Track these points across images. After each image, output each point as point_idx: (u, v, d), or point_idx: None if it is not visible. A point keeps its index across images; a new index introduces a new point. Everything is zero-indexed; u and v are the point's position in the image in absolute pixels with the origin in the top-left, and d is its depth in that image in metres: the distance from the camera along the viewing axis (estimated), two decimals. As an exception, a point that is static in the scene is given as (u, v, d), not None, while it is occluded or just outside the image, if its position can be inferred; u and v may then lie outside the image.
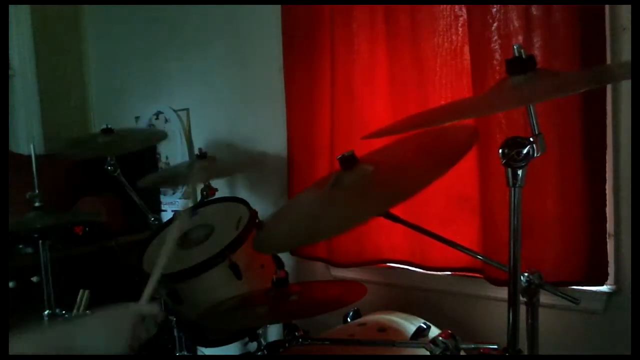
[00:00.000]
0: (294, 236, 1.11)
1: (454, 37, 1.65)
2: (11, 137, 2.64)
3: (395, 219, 1.12)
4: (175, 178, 2.16)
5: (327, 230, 1.09)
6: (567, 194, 1.44)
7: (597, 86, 1.33)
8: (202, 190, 2.02)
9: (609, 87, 1.40)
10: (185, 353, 1.91)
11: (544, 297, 1.01)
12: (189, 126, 2.58)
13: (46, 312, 1.66)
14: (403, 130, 0.99)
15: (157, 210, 2.63)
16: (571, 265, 1.45)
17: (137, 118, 2.76)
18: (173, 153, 2.62)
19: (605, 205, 1.41)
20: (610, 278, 1.44)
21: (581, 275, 1.44)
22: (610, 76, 1.01)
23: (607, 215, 1.41)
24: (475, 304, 1.71)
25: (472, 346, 1.00)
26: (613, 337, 1.46)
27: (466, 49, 1.61)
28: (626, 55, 1.38)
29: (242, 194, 2.30)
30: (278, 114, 2.12)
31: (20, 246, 2.13)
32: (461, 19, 1.63)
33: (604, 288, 1.47)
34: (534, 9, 1.44)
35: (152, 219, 1.94)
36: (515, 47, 0.88)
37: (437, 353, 0.98)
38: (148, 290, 1.09)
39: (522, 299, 0.96)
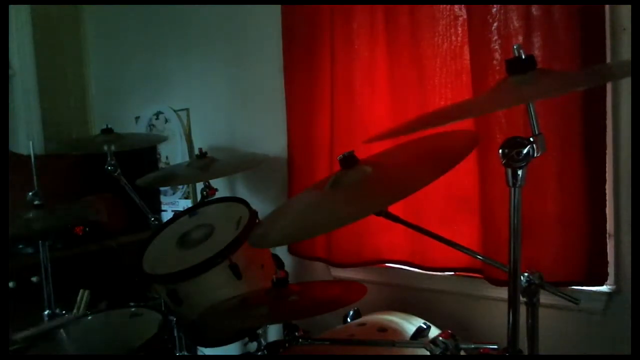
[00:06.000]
0: (290, 232, 1.11)
1: (453, 37, 1.65)
2: (11, 137, 2.63)
3: (395, 219, 1.12)
4: (174, 178, 2.15)
5: (321, 226, 1.09)
6: (567, 194, 1.44)
7: (597, 84, 1.33)
8: (202, 190, 2.02)
9: (609, 87, 1.40)
10: (185, 353, 1.91)
11: (544, 297, 1.01)
12: (189, 126, 2.58)
13: (46, 312, 1.66)
14: (404, 133, 1.00)
15: (157, 210, 2.63)
16: (571, 265, 1.45)
17: (137, 118, 2.76)
18: (173, 153, 2.62)
19: (605, 205, 1.41)
20: (610, 278, 1.44)
21: (581, 275, 1.44)
22: (609, 74, 1.01)
23: (607, 215, 1.41)
24: (475, 304, 1.71)
25: (472, 346, 1.00)
26: (613, 337, 1.46)
27: (466, 49, 1.61)
28: (626, 55, 1.38)
29: (242, 194, 2.31)
30: (278, 114, 2.12)
31: (20, 246, 2.14)
32: (461, 19, 1.62)
33: (604, 288, 1.47)
34: (534, 9, 1.44)
35: (152, 219, 1.94)
36: (515, 47, 0.88)
37: (437, 353, 0.98)
38: None
39: (522, 299, 0.97)
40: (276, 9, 2.07)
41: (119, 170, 1.90)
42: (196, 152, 2.00)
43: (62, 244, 2.20)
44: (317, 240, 1.98)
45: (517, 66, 0.88)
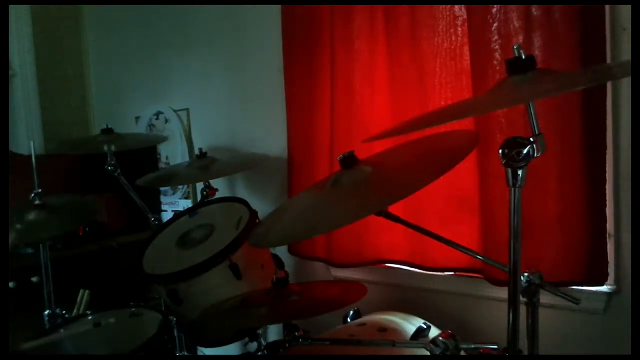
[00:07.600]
0: (290, 232, 1.11)
1: (453, 37, 1.65)
2: (11, 137, 2.64)
3: (395, 219, 1.12)
4: (174, 178, 2.15)
5: (321, 226, 1.09)
6: (567, 194, 1.44)
7: (597, 84, 1.33)
8: (202, 190, 2.02)
9: (609, 88, 1.40)
10: (185, 353, 1.91)
11: (544, 297, 1.01)
12: (189, 126, 2.58)
13: (46, 312, 1.66)
14: (404, 132, 1.00)
15: (157, 210, 2.63)
16: (571, 265, 1.45)
17: (137, 118, 2.76)
18: (173, 153, 2.62)
19: (605, 205, 1.41)
20: (610, 278, 1.44)
21: (581, 275, 1.44)
22: (609, 74, 1.01)
23: (607, 215, 1.41)
24: (475, 304, 1.71)
25: (472, 346, 1.00)
26: (613, 337, 1.46)
27: (466, 49, 1.61)
28: (626, 55, 1.38)
29: (242, 194, 2.31)
30: (278, 114, 2.12)
31: (20, 246, 2.13)
32: (461, 19, 1.62)
33: (604, 288, 1.47)
34: (534, 9, 1.44)
35: (152, 219, 1.94)
36: (515, 47, 0.89)
37: (437, 353, 0.98)
38: None
39: (522, 299, 0.97)
40: (276, 9, 2.07)
41: (119, 170, 1.90)
42: (196, 152, 2.00)
43: (62, 244, 2.20)
44: (317, 240, 1.98)
45: (517, 66, 0.88)
